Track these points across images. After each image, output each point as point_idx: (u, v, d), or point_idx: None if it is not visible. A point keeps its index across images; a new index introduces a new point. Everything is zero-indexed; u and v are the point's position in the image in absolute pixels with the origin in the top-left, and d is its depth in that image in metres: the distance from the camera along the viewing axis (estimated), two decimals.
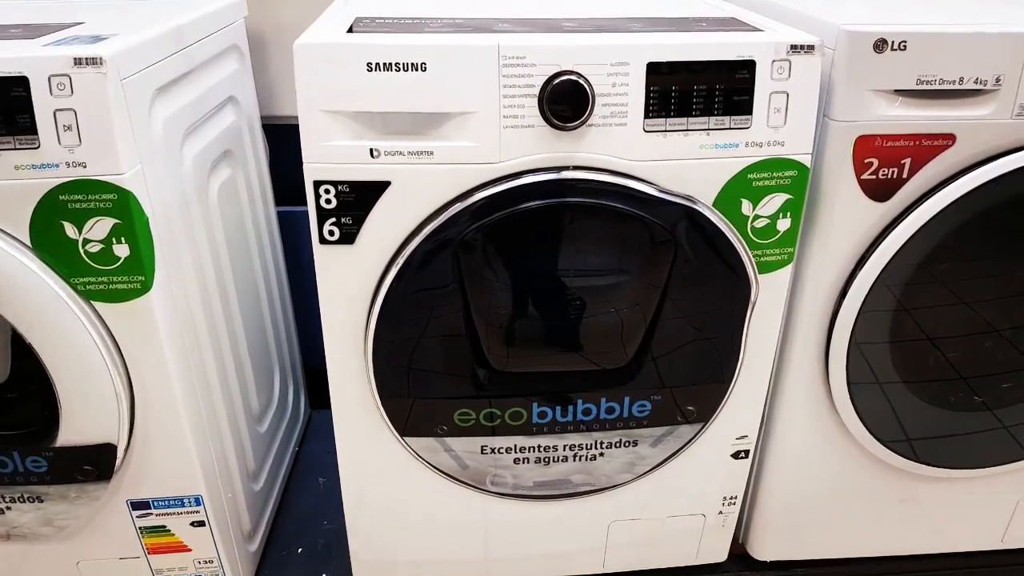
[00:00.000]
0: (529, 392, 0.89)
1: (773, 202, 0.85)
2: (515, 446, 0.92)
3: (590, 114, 0.78)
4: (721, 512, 1.06)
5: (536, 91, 0.77)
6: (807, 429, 1.00)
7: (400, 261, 0.81)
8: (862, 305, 0.89)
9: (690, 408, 0.93)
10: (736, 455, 1.00)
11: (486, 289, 0.83)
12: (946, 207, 0.85)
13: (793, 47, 0.80)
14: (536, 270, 0.83)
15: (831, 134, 0.84)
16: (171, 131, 0.90)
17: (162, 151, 0.87)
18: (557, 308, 0.85)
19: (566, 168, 0.80)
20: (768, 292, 0.90)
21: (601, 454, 0.94)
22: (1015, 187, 0.85)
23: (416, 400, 0.88)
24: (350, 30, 0.80)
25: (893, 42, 0.80)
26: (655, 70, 0.78)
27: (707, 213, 0.83)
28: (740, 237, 0.85)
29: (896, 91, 0.82)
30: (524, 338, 0.86)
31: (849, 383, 0.94)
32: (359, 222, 0.81)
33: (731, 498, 1.03)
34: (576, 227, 0.82)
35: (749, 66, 0.79)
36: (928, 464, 1.01)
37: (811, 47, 0.80)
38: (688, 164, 0.82)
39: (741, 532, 1.14)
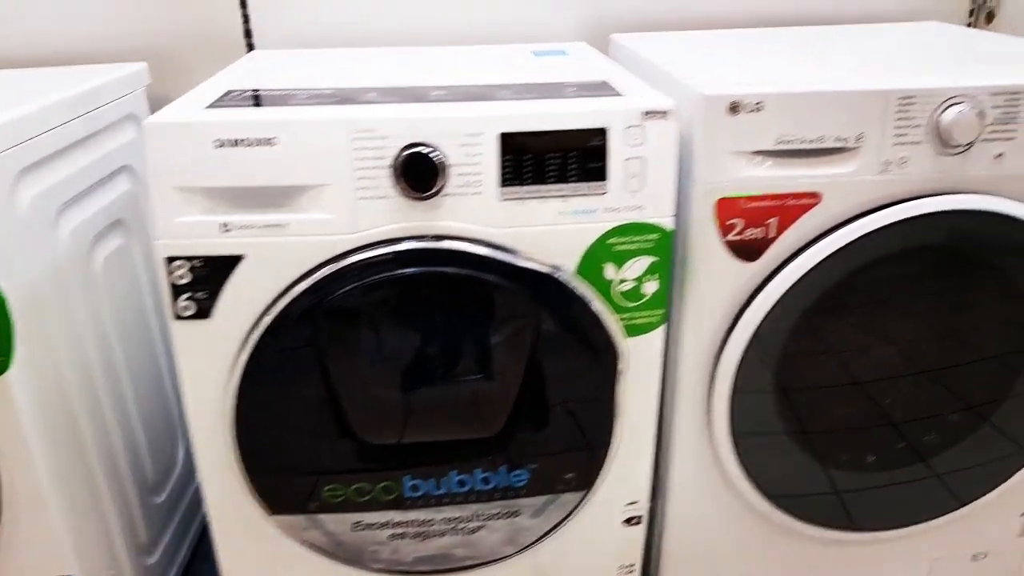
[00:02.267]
0: (399, 465, 0.87)
1: (637, 265, 0.85)
2: (389, 521, 0.89)
3: (444, 184, 0.78)
4: None
5: (388, 163, 0.77)
6: (700, 491, 0.98)
7: (257, 335, 0.80)
8: (739, 363, 0.88)
9: (569, 476, 0.90)
10: (629, 521, 0.98)
11: (347, 361, 0.82)
12: (815, 265, 0.84)
13: (647, 113, 0.80)
14: (397, 341, 0.82)
15: (694, 196, 0.84)
16: (41, 208, 0.89)
17: (28, 229, 0.86)
18: (421, 379, 0.84)
19: (424, 238, 0.80)
20: (641, 354, 0.89)
21: (482, 526, 0.92)
22: (884, 243, 0.84)
23: (283, 476, 0.86)
24: (215, 104, 0.81)
25: (748, 104, 0.80)
26: (508, 140, 0.78)
27: (566, 279, 0.82)
28: (604, 302, 0.84)
29: (756, 152, 0.82)
30: (389, 410, 0.84)
31: (734, 439, 0.92)
32: (214, 296, 0.80)
33: (628, 566, 1.00)
34: (435, 296, 0.81)
35: (602, 133, 0.79)
36: (822, 526, 0.98)
37: (665, 112, 0.80)
38: (548, 230, 0.81)
39: None
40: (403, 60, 1.06)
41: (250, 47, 1.23)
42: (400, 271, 0.79)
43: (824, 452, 0.95)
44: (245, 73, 0.98)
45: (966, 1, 1.25)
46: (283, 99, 0.83)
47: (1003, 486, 1.00)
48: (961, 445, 0.96)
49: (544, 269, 0.82)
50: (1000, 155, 0.82)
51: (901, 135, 0.81)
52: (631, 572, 1.00)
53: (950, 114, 0.80)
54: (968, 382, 0.94)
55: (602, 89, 0.87)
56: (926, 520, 1.01)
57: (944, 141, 0.81)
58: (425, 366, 0.83)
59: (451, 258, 0.79)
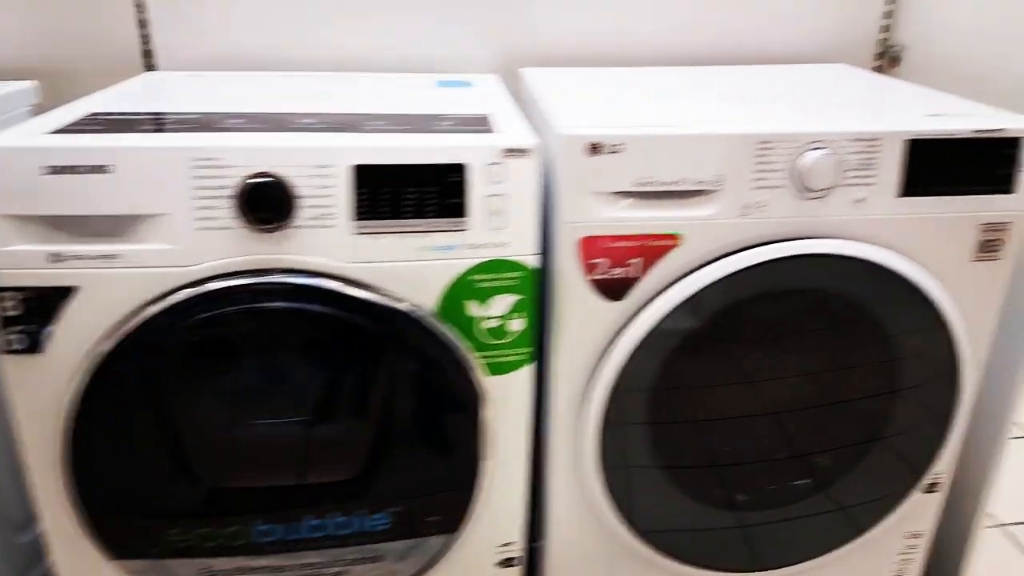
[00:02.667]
0: (247, 509, 0.83)
1: (502, 303, 0.83)
2: (241, 567, 0.85)
3: (291, 216, 0.75)
4: None
5: (230, 193, 0.74)
6: (578, 530, 0.96)
7: (91, 371, 0.75)
8: (607, 400, 0.86)
9: (433, 519, 0.87)
10: (505, 563, 0.95)
11: (186, 400, 0.78)
12: (677, 306, 0.84)
13: (507, 150, 0.78)
14: (240, 379, 0.78)
15: (559, 235, 0.83)
16: None
17: None
18: (268, 419, 0.80)
19: (271, 271, 0.77)
20: (509, 392, 0.87)
21: (343, 572, 0.88)
22: (745, 285, 0.84)
23: (123, 519, 0.81)
24: (66, 128, 0.77)
25: (608, 145, 0.79)
26: (362, 173, 0.76)
27: (424, 316, 0.80)
28: (467, 340, 0.82)
29: (617, 192, 0.82)
30: (232, 452, 0.81)
31: (605, 474, 0.90)
32: (46, 330, 0.75)
33: None
34: (281, 333, 0.78)
35: (461, 169, 0.78)
36: (697, 566, 0.97)
37: (526, 150, 0.79)
38: (406, 266, 0.79)
39: None
40: (296, 86, 1.03)
41: (150, 68, 1.19)
42: (242, 306, 0.76)
43: (695, 489, 0.94)
44: (121, 96, 0.94)
45: (873, 45, 1.28)
46: (136, 124, 0.79)
47: (866, 535, 1.01)
48: (833, 487, 0.96)
49: (400, 306, 0.79)
50: (861, 200, 0.83)
51: (760, 179, 0.81)
52: None
53: (808, 159, 0.80)
54: (838, 423, 0.94)
55: (478, 124, 0.85)
56: (800, 561, 1.01)
57: (803, 186, 0.81)
58: (270, 406, 0.80)
59: (298, 293, 0.76)
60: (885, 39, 1.26)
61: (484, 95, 1.02)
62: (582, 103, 0.92)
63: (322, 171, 0.75)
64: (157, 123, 0.80)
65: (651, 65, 1.25)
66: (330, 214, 0.76)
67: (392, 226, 0.78)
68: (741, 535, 0.96)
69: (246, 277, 0.76)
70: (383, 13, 1.18)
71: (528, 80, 1.07)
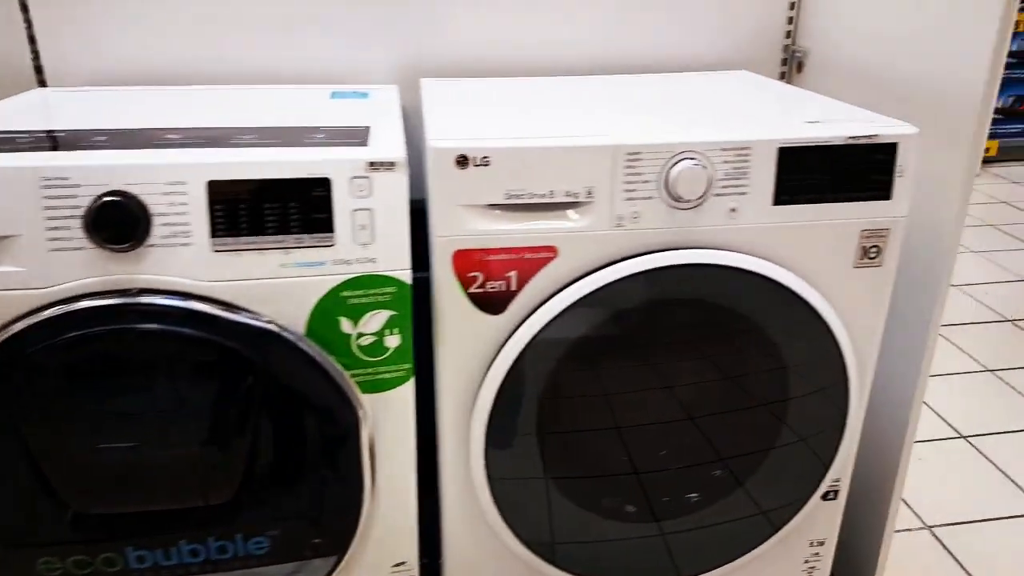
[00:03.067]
0: (119, 535, 0.80)
1: (376, 319, 0.81)
2: None
3: (146, 235, 0.74)
4: None
5: (81, 213, 0.72)
6: (472, 544, 0.94)
7: None
8: (490, 414, 0.85)
9: (317, 541, 0.86)
10: None
11: (45, 425, 0.76)
12: (555, 317, 0.83)
13: (372, 164, 0.77)
14: (100, 403, 0.76)
15: (435, 249, 0.82)
16: None
17: None
18: (133, 443, 0.78)
19: (127, 292, 0.75)
20: (391, 409, 0.85)
21: None
22: (623, 296, 0.83)
23: None
24: None
25: (476, 158, 0.78)
26: (218, 189, 0.74)
27: (289, 335, 0.78)
28: (342, 357, 0.81)
29: (490, 205, 0.81)
30: (95, 477, 0.78)
31: (491, 485, 0.89)
32: None
33: None
34: (140, 354, 0.76)
35: (325, 184, 0.76)
36: None
37: (393, 163, 0.78)
38: (272, 283, 0.77)
39: None
40: (181, 101, 1.01)
41: (42, 84, 1.17)
42: (97, 328, 0.74)
43: (587, 500, 0.93)
44: (33, 112, 0.92)
45: (779, 51, 1.28)
46: (10, 143, 0.77)
47: (767, 544, 1.00)
48: (728, 497, 0.96)
49: (263, 324, 0.78)
50: (734, 209, 0.83)
51: (632, 190, 0.81)
52: None
53: (677, 170, 0.80)
54: (730, 433, 0.93)
55: (354, 137, 0.84)
56: (700, 572, 1.00)
57: (675, 196, 0.81)
58: (134, 430, 0.78)
59: (153, 313, 0.74)
60: (788, 45, 1.27)
61: (375, 107, 1.00)
62: (464, 115, 0.91)
63: (176, 188, 0.73)
64: (10, 142, 0.78)
65: (559, 75, 1.25)
66: (186, 232, 0.75)
67: (253, 243, 0.76)
68: (637, 546, 0.95)
69: (102, 298, 0.74)
70: (285, 23, 1.17)
71: (424, 91, 1.06)
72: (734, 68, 1.29)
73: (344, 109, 0.98)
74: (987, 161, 3.48)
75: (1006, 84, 3.41)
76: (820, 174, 0.83)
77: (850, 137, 0.83)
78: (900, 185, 0.85)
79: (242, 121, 0.89)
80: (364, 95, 1.09)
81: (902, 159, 0.84)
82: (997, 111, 3.43)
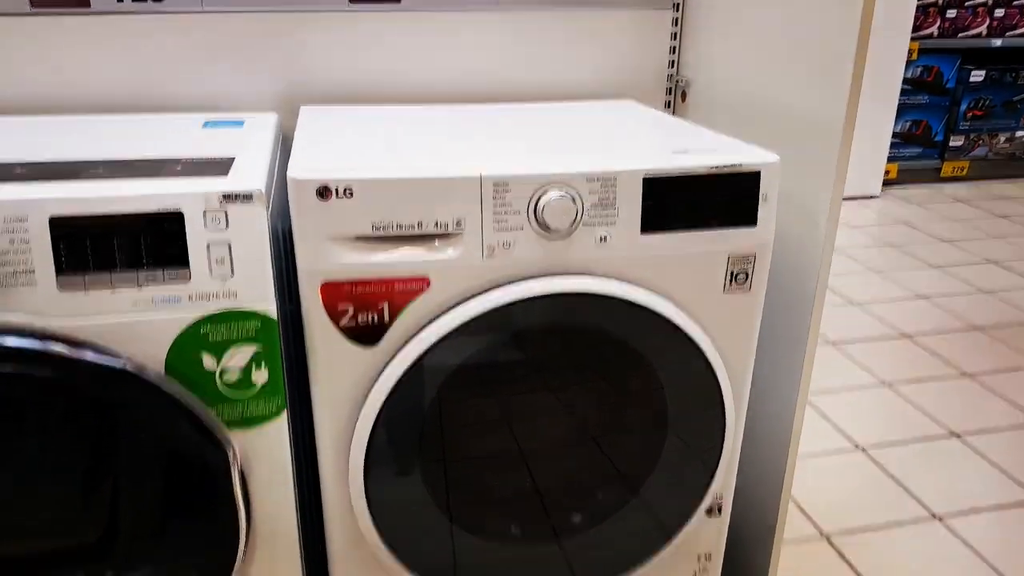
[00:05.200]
0: None
1: (240, 355, 0.79)
2: None
3: None
4: None
5: None
6: (362, 574, 0.92)
7: None
8: (368, 443, 0.83)
9: None
10: None
11: None
12: (430, 347, 0.82)
13: (226, 196, 0.75)
14: None
15: (302, 283, 0.80)
16: None
17: None
18: None
19: None
20: (265, 444, 0.83)
21: None
22: (498, 324, 0.83)
23: None
24: None
25: (338, 189, 0.77)
26: (60, 225, 0.71)
27: (146, 374, 0.75)
28: (201, 394, 0.78)
29: (356, 237, 0.80)
30: None
31: (372, 512, 0.87)
32: None
33: None
34: None
35: (177, 217, 0.74)
36: None
37: (250, 195, 0.76)
38: (125, 322, 0.74)
39: None
40: (37, 131, 0.96)
41: None
42: None
43: (472, 525, 0.91)
44: None
45: (664, 81, 1.32)
46: None
47: (652, 560, 1.00)
48: (607, 522, 0.96)
49: (115, 363, 0.74)
50: (604, 238, 0.84)
51: (502, 220, 0.81)
52: None
53: (545, 200, 0.81)
54: (612, 454, 0.94)
55: (214, 168, 0.81)
56: None
57: (544, 226, 0.82)
58: None
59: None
60: (672, 75, 1.31)
61: (247, 136, 0.98)
62: (333, 144, 0.90)
63: (18, 225, 0.70)
64: None
65: (443, 102, 1.25)
66: (29, 269, 0.71)
67: (101, 280, 0.73)
68: (528, 569, 0.94)
69: None
70: (162, 48, 1.14)
71: (300, 118, 1.05)
72: (622, 97, 1.32)
73: (213, 139, 0.95)
74: (887, 183, 3.66)
75: (903, 109, 3.61)
76: (686, 203, 0.86)
77: (713, 167, 0.85)
78: (764, 211, 0.88)
79: (100, 153, 0.86)
80: (239, 123, 1.06)
81: (765, 186, 0.87)
82: (895, 135, 3.62)
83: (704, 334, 0.89)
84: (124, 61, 1.13)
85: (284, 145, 1.13)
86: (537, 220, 0.81)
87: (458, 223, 0.80)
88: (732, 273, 0.89)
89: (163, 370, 0.77)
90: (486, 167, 0.81)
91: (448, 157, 0.85)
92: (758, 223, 0.88)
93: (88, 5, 1.10)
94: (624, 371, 0.89)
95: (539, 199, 0.81)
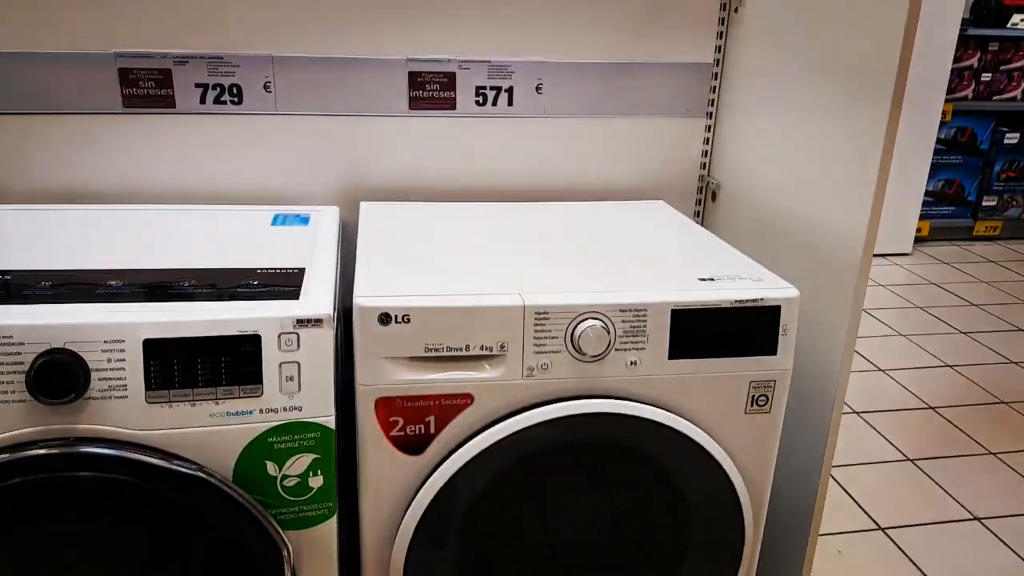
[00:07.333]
0: None
1: (300, 462, 0.87)
2: None
3: (85, 389, 0.79)
4: None
5: (25, 368, 0.77)
6: None
7: None
8: (409, 547, 0.91)
9: None
10: None
11: None
12: (472, 459, 0.90)
13: (299, 321, 0.84)
14: (36, 549, 0.80)
15: (359, 396, 0.88)
16: None
17: None
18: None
19: (65, 440, 0.80)
20: (316, 545, 0.91)
21: None
22: (535, 439, 0.90)
23: None
24: None
25: (397, 316, 0.86)
26: (153, 347, 0.80)
27: (215, 480, 0.83)
28: (267, 498, 0.86)
29: (410, 357, 0.88)
30: None
31: None
32: None
33: None
34: (75, 497, 0.80)
35: (256, 340, 0.83)
36: None
37: (321, 320, 0.85)
38: (201, 432, 0.83)
39: None
40: (119, 226, 1.07)
41: None
42: (29, 476, 0.78)
43: None
44: None
45: (695, 182, 1.39)
46: None
47: None
48: None
49: (190, 471, 0.83)
50: (634, 363, 0.91)
51: (541, 345, 0.89)
52: None
53: (581, 328, 0.88)
54: (637, 564, 1.00)
55: (289, 282, 0.91)
56: None
57: (579, 350, 0.89)
58: (67, 565, 0.82)
59: (86, 461, 0.79)
60: (704, 175, 1.38)
61: (313, 238, 1.07)
62: (391, 259, 0.99)
63: (115, 346, 0.79)
64: None
65: (492, 198, 1.35)
66: (122, 385, 0.80)
67: (185, 395, 0.82)
68: None
69: (37, 448, 0.79)
70: (238, 145, 1.24)
71: (362, 217, 1.14)
72: (656, 195, 1.39)
73: (282, 241, 1.05)
74: (919, 240, 3.67)
75: (936, 169, 3.64)
76: (710, 332, 0.92)
77: (736, 301, 0.92)
78: (784, 342, 0.94)
79: (185, 259, 0.96)
80: (305, 220, 1.16)
81: (785, 319, 0.94)
82: (928, 194, 3.64)
83: (725, 453, 0.95)
84: (204, 156, 1.24)
85: (345, 236, 1.22)
86: (573, 345, 0.89)
87: (501, 346, 0.88)
88: (753, 396, 0.95)
89: (231, 476, 0.86)
90: (528, 295, 0.89)
91: (494, 278, 0.94)
92: (778, 352, 0.95)
93: (174, 106, 1.21)
94: (649, 484, 0.96)
95: (576, 327, 0.88)
